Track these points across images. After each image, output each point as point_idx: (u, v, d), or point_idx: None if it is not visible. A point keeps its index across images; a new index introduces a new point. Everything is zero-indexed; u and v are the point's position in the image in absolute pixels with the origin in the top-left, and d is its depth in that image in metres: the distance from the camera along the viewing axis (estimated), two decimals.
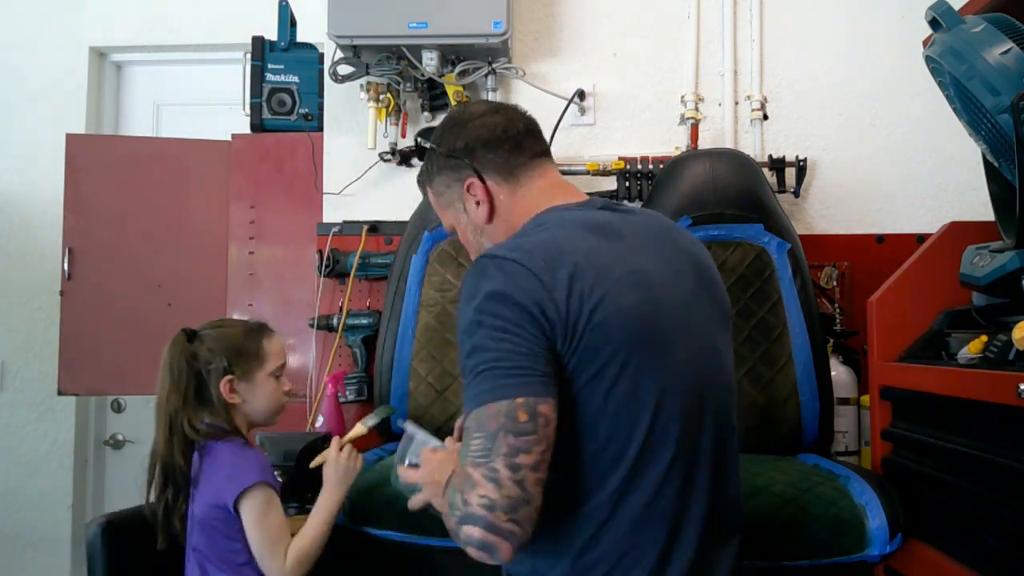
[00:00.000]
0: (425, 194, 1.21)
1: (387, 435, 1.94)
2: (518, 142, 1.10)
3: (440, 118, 2.22)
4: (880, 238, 2.15)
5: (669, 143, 2.21)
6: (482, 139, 1.09)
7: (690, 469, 0.97)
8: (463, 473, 0.87)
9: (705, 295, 1.07)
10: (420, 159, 2.25)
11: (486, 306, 0.90)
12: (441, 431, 1.88)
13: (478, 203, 1.10)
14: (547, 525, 0.90)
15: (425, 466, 1.09)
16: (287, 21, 2.34)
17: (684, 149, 2.14)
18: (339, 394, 2.06)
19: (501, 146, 1.09)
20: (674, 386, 0.95)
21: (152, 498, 1.37)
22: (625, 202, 1.16)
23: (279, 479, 1.47)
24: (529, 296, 0.89)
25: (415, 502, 1.09)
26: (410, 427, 1.21)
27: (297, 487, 1.59)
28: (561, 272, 0.91)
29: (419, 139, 1.20)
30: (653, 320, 0.95)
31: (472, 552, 0.84)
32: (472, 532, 0.83)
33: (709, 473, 1.00)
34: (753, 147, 2.18)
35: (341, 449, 1.46)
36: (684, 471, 0.96)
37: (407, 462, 1.16)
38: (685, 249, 1.09)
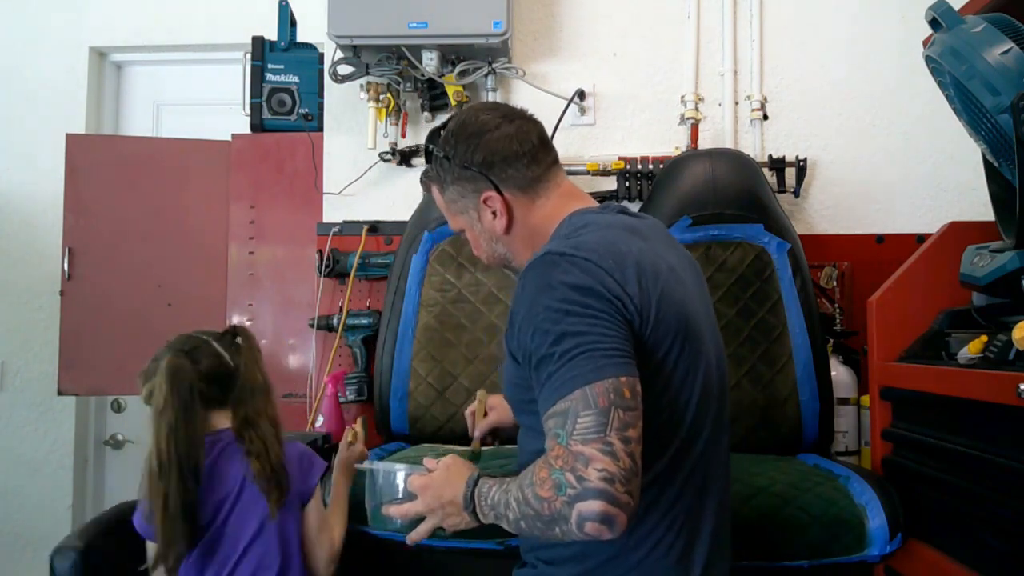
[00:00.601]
0: (428, 190, 1.22)
1: (387, 435, 1.94)
2: (534, 155, 1.11)
3: (440, 118, 2.23)
4: (880, 238, 2.15)
5: (669, 143, 2.21)
6: (500, 153, 1.10)
7: (713, 454, 1.05)
8: (566, 453, 0.86)
9: (705, 295, 1.15)
10: (428, 162, 2.26)
11: (571, 295, 0.92)
12: (441, 431, 1.89)
13: (494, 214, 1.12)
14: None
15: (425, 492, 1.08)
16: (287, 21, 2.34)
17: (684, 149, 2.14)
18: (339, 394, 2.06)
19: (520, 160, 1.10)
20: (708, 373, 1.03)
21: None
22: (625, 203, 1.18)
23: None
24: (610, 290, 0.93)
25: (417, 535, 1.09)
26: (375, 464, 1.18)
27: None
28: (629, 270, 0.96)
29: (431, 146, 1.16)
30: (692, 313, 1.02)
31: (590, 528, 0.84)
32: (593, 506, 0.83)
33: (723, 468, 1.09)
34: (753, 147, 2.18)
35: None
36: (711, 455, 1.04)
37: (388, 499, 1.14)
38: (685, 251, 1.18)
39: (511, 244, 1.15)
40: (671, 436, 0.99)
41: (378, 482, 1.17)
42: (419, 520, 1.11)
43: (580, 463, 0.85)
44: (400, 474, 1.15)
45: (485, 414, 1.47)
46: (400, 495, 1.15)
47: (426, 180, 1.21)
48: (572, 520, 0.85)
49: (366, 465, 1.20)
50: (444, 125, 1.18)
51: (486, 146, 1.10)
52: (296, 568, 1.37)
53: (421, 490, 1.09)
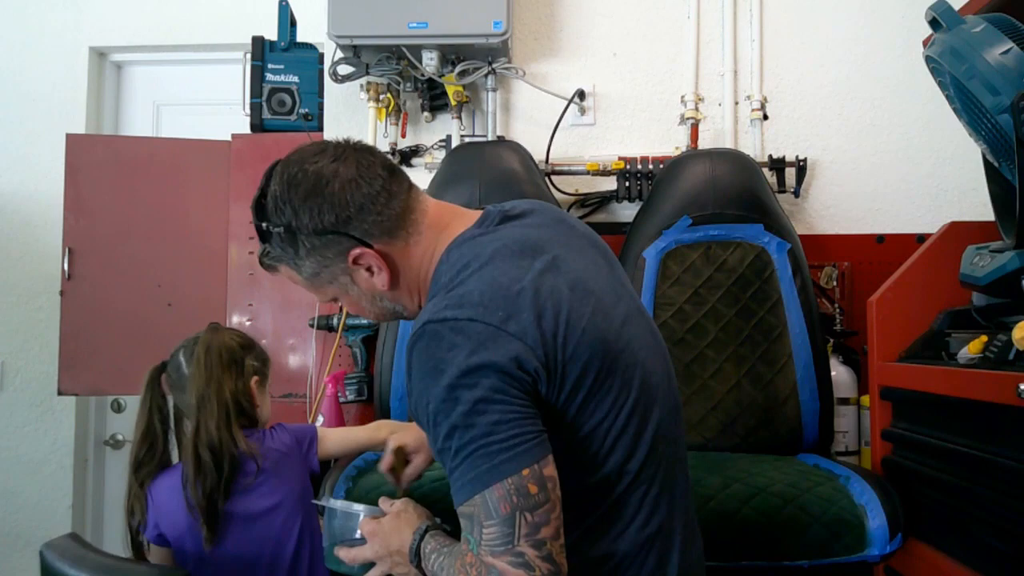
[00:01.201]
0: (274, 272, 1.02)
1: None
2: (388, 189, 0.95)
3: (440, 118, 2.23)
4: (880, 238, 2.15)
5: (669, 143, 2.21)
6: (352, 203, 0.92)
7: (672, 459, 0.97)
8: (479, 563, 0.80)
9: (615, 276, 1.02)
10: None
11: (459, 380, 0.81)
12: None
13: (371, 271, 0.97)
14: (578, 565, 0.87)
15: (374, 538, 1.03)
16: (287, 21, 2.34)
17: (684, 149, 2.14)
18: (339, 394, 2.06)
19: (376, 202, 0.94)
20: (645, 379, 0.93)
21: (196, 494, 1.33)
22: (517, 203, 1.04)
23: None
24: (504, 355, 0.82)
25: None
26: (331, 502, 1.15)
27: None
28: (524, 315, 0.84)
29: (263, 224, 0.96)
30: (606, 325, 0.91)
31: None
32: None
33: (683, 464, 1.01)
34: (753, 147, 2.18)
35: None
36: (668, 463, 0.95)
37: (343, 539, 1.10)
38: (582, 235, 1.05)
39: (399, 298, 1.01)
40: (619, 475, 0.91)
41: (335, 521, 1.13)
42: (373, 564, 1.05)
43: None
44: (358, 516, 1.10)
45: (407, 462, 1.33)
46: (357, 535, 1.10)
47: (270, 264, 1.00)
48: None
49: (324, 502, 1.16)
50: (262, 193, 0.96)
51: (332, 201, 0.92)
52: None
53: (370, 536, 1.04)
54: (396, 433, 1.38)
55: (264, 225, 0.96)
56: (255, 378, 1.44)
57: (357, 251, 0.94)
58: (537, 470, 0.80)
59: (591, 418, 0.88)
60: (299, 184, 0.93)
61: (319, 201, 0.92)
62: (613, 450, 0.89)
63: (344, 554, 1.07)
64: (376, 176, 0.95)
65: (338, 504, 1.14)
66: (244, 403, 1.40)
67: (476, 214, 1.01)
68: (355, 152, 0.96)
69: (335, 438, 1.54)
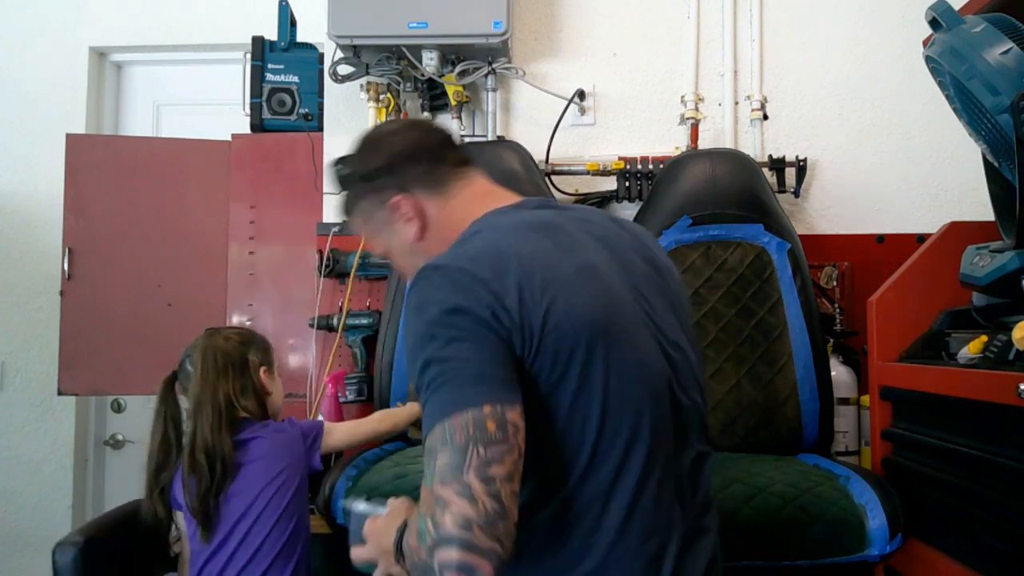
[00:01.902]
0: (350, 225, 1.14)
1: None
2: (438, 153, 1.05)
3: (440, 118, 2.23)
4: (880, 238, 2.15)
5: (669, 143, 2.21)
6: (402, 153, 1.04)
7: (665, 466, 0.93)
8: (430, 496, 0.79)
9: (658, 282, 1.03)
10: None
11: (437, 317, 0.84)
12: None
13: (407, 220, 1.04)
14: (532, 540, 0.87)
15: (371, 539, 1.03)
16: (287, 21, 2.34)
17: (684, 149, 2.14)
18: (339, 394, 2.06)
19: (422, 157, 1.04)
20: (641, 378, 0.92)
21: (191, 496, 1.39)
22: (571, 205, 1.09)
23: None
24: (481, 304, 0.84)
25: None
26: (353, 504, 1.15)
27: None
28: (509, 277, 0.86)
29: (336, 166, 1.11)
30: (610, 314, 0.91)
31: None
32: (449, 555, 0.75)
33: (686, 471, 0.97)
34: (753, 147, 2.18)
35: None
36: (660, 468, 0.92)
37: (355, 541, 1.10)
38: (631, 236, 1.06)
39: (429, 251, 1.01)
40: (594, 459, 0.88)
41: (350, 522, 1.14)
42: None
43: (439, 507, 0.77)
44: (363, 515, 1.09)
45: None
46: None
47: (346, 208, 1.11)
48: (436, 571, 0.76)
49: (352, 504, 1.16)
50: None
51: (386, 149, 1.05)
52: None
53: (368, 536, 1.04)
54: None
55: (336, 167, 1.10)
56: (262, 369, 1.52)
57: (396, 197, 1.03)
58: (499, 410, 0.80)
59: (561, 396, 0.87)
60: (368, 139, 1.09)
61: (375, 149, 1.06)
62: (584, 435, 0.88)
63: (354, 554, 1.07)
64: (433, 139, 1.06)
65: (353, 506, 1.15)
66: (243, 402, 1.46)
67: (522, 198, 1.07)
68: (425, 123, 1.13)
69: (341, 430, 1.64)
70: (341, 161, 1.10)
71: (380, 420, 1.73)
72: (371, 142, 1.08)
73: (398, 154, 1.04)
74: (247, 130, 2.33)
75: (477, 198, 1.05)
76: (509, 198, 1.06)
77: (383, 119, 2.18)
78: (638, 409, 0.91)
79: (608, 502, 0.89)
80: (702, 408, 1.03)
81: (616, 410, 0.89)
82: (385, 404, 1.91)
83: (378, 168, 1.04)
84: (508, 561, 0.78)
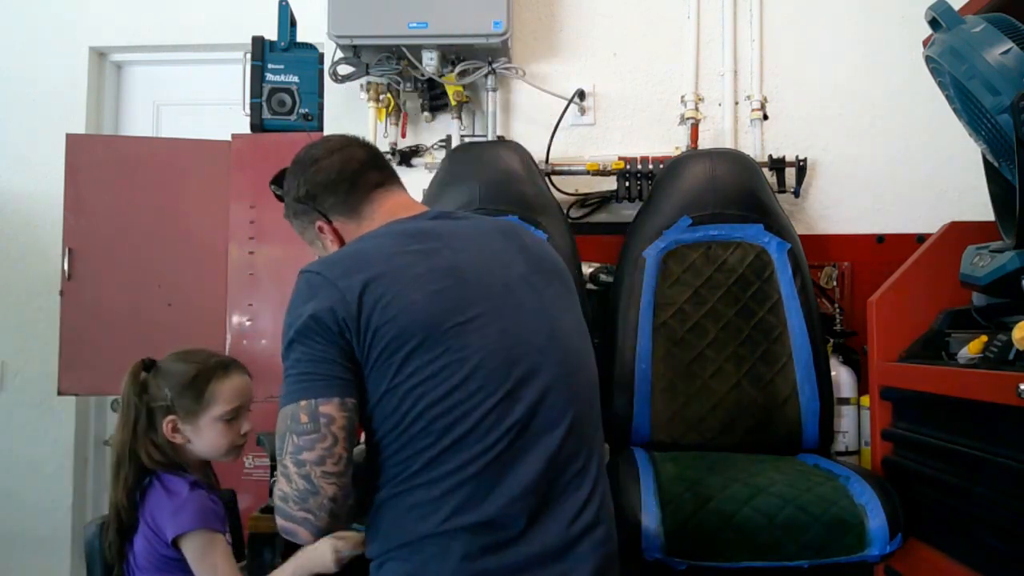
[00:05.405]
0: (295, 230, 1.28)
1: None
2: (354, 180, 1.16)
3: (440, 118, 2.24)
4: (880, 238, 2.15)
5: (669, 143, 2.21)
6: (321, 183, 1.16)
7: (516, 445, 0.98)
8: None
9: (539, 280, 1.10)
10: (401, 165, 2.25)
11: (289, 320, 1.01)
12: None
13: (331, 240, 1.18)
14: (386, 512, 0.98)
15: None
16: (287, 21, 2.34)
17: (684, 149, 2.14)
18: None
19: (339, 187, 1.15)
20: (489, 365, 0.98)
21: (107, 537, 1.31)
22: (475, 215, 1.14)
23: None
24: (325, 304, 0.97)
25: None
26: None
27: None
28: (357, 276, 0.98)
29: (272, 186, 1.27)
30: (454, 306, 0.99)
31: (286, 536, 0.96)
32: (278, 521, 0.96)
33: (546, 450, 1.00)
34: (753, 147, 2.18)
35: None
36: (508, 447, 0.97)
37: None
38: (517, 243, 1.13)
39: None
40: (432, 438, 0.96)
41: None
42: None
43: (275, 483, 0.97)
44: None
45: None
46: None
47: (286, 217, 1.26)
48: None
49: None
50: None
51: (310, 178, 1.17)
52: None
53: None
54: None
55: (272, 188, 1.26)
56: (168, 420, 1.32)
57: (320, 223, 1.17)
58: (313, 405, 0.94)
59: (402, 382, 0.96)
60: (300, 161, 1.20)
61: (302, 177, 1.18)
62: (419, 419, 0.96)
63: None
64: (353, 164, 1.16)
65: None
66: (146, 455, 1.31)
67: (424, 211, 1.17)
68: (352, 146, 1.19)
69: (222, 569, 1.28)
70: (275, 182, 1.26)
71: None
72: (301, 167, 1.19)
73: (319, 183, 1.16)
74: (247, 130, 2.33)
75: (384, 215, 1.15)
76: (413, 211, 1.16)
77: (383, 119, 2.18)
78: (484, 396, 0.97)
79: (450, 477, 0.96)
80: (584, 407, 1.07)
81: (458, 399, 0.96)
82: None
83: (303, 196, 1.18)
84: (328, 528, 0.95)
